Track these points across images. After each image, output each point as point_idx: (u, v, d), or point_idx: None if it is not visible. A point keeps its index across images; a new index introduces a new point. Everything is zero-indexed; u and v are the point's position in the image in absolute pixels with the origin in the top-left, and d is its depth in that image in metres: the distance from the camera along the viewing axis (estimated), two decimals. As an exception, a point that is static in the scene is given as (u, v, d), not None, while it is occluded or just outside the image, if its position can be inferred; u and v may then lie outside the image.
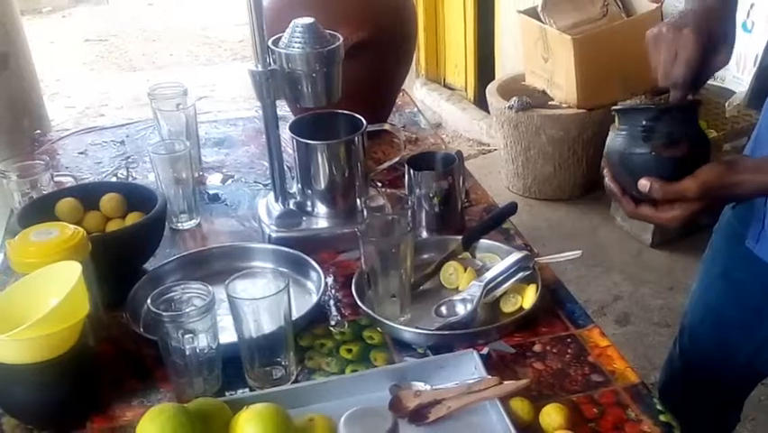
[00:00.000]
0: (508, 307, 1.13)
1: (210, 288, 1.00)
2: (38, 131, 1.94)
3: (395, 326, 1.08)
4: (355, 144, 1.32)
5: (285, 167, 1.33)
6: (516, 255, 1.16)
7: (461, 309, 1.10)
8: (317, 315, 1.14)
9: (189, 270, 1.25)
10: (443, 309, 1.11)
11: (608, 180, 1.06)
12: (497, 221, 1.31)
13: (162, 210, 1.24)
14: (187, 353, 0.97)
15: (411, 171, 1.32)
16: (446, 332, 1.06)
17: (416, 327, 1.08)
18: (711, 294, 1.32)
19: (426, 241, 1.29)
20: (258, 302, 0.97)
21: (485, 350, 1.06)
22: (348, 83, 1.30)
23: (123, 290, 1.17)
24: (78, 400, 0.99)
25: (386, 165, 1.39)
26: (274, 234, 1.32)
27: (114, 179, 1.60)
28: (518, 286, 1.15)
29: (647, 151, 1.00)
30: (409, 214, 1.23)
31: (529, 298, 1.13)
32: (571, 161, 3.12)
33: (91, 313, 1.01)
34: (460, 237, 1.26)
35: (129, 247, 1.19)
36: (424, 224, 1.34)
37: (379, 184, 1.48)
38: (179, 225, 1.42)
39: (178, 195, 1.41)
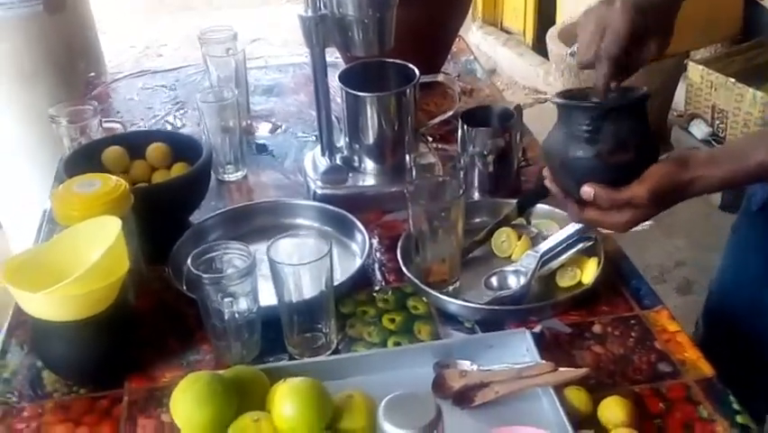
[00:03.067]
0: (566, 281, 1.07)
1: (251, 249, 0.96)
2: (92, 73, 1.91)
3: (441, 297, 1.03)
4: (406, 97, 1.25)
5: (333, 117, 1.27)
6: (576, 225, 1.09)
7: (514, 282, 1.05)
8: (360, 279, 1.10)
9: (233, 225, 1.22)
10: (494, 281, 1.05)
11: (548, 182, 1.00)
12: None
13: (208, 162, 1.20)
14: (227, 316, 0.94)
15: (465, 127, 1.26)
16: (496, 307, 1.01)
17: (464, 300, 1.03)
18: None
19: (478, 204, 1.23)
20: (299, 268, 0.93)
21: (538, 328, 1.00)
22: (401, 29, 1.22)
23: (166, 244, 1.14)
24: (117, 358, 0.97)
25: (438, 120, 1.32)
26: (319, 191, 1.27)
27: (164, 127, 1.57)
28: (578, 258, 1.09)
29: (591, 155, 0.93)
30: (461, 174, 1.17)
31: (589, 272, 1.06)
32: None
33: (132, 268, 0.98)
34: (514, 201, 1.20)
35: (173, 200, 1.15)
36: (476, 184, 1.28)
37: (430, 139, 1.41)
38: (226, 176, 1.39)
39: (224, 144, 1.37)
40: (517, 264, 1.06)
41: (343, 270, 1.12)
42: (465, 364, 0.92)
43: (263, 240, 1.19)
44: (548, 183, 0.99)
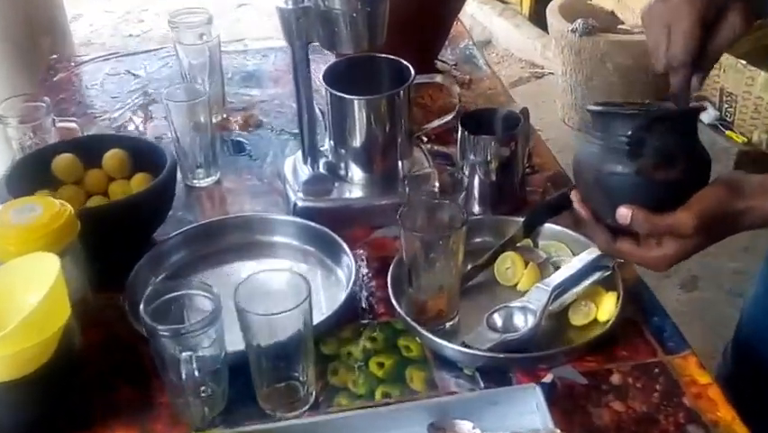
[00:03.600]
0: (579, 318, 0.94)
1: (216, 291, 0.82)
2: (54, 56, 1.74)
3: (437, 340, 0.89)
4: (400, 99, 1.11)
5: (317, 111, 1.12)
6: (592, 251, 0.96)
7: (521, 321, 0.91)
8: (345, 313, 0.96)
9: (200, 244, 1.08)
10: (498, 319, 0.92)
11: (576, 204, 0.86)
12: (567, 200, 1.09)
13: (172, 175, 1.05)
14: (184, 374, 0.79)
15: (465, 133, 1.11)
16: (501, 355, 0.87)
17: (464, 344, 0.89)
18: None
19: (480, 222, 1.09)
20: (271, 318, 0.79)
21: (549, 378, 0.87)
22: (393, 11, 1.07)
23: (124, 267, 1.00)
24: (59, 418, 0.83)
25: (434, 124, 1.17)
26: (300, 203, 1.12)
27: (129, 119, 1.42)
28: (593, 290, 0.95)
29: (632, 170, 0.80)
30: (461, 193, 1.03)
31: (606, 308, 0.93)
32: (640, 94, 2.84)
33: (77, 300, 0.86)
34: (520, 220, 1.06)
35: (131, 220, 1.01)
36: (476, 195, 1.14)
37: (425, 140, 1.27)
38: (195, 181, 1.24)
39: (194, 145, 1.22)
40: (525, 300, 0.93)
41: (327, 300, 0.98)
42: (465, 427, 0.79)
43: (235, 260, 1.07)
44: (577, 206, 0.85)
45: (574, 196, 0.86)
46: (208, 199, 1.21)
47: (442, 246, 0.90)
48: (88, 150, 1.10)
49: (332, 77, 1.11)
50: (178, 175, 1.20)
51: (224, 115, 1.42)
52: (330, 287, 1.02)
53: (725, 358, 1.18)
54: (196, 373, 0.79)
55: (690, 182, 0.80)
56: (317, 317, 0.91)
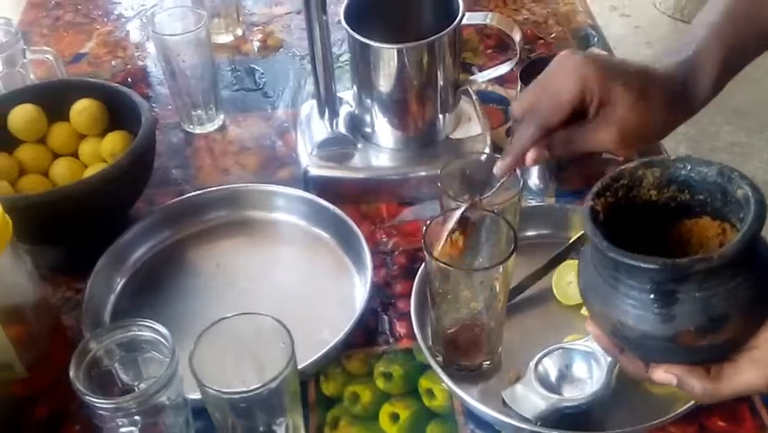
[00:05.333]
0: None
1: (166, 333, 0.61)
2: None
3: (466, 398, 0.68)
4: (442, 45, 0.85)
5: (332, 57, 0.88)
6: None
7: (582, 372, 0.68)
8: (356, 336, 0.76)
9: (181, 223, 0.87)
10: (551, 367, 0.69)
11: (593, 330, 0.60)
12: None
13: (146, 143, 0.82)
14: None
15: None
16: (551, 432, 0.66)
17: (503, 405, 0.67)
18: None
19: (535, 211, 0.85)
20: (244, 395, 0.58)
21: (613, 461, 0.66)
22: None
23: (92, 247, 0.81)
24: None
25: (486, 76, 0.92)
26: (312, 171, 0.90)
27: (126, 38, 1.19)
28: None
29: (665, 335, 0.53)
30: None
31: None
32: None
33: (27, 312, 0.71)
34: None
35: (93, 205, 0.79)
36: (532, 176, 0.90)
37: (476, 90, 1.00)
38: (192, 127, 1.02)
39: (192, 82, 0.99)
40: (591, 341, 0.70)
41: (333, 309, 0.78)
42: None
43: (224, 247, 0.87)
44: (590, 328, 0.60)
45: (590, 327, 0.60)
46: (207, 153, 1.00)
47: (480, 278, 0.67)
48: (54, 99, 0.88)
49: (355, 14, 0.86)
50: (175, 119, 1.00)
51: (239, 33, 1.18)
52: (339, 289, 0.80)
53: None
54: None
55: (746, 336, 0.54)
56: (317, 345, 0.72)
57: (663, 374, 0.56)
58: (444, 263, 0.65)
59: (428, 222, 0.68)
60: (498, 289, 0.67)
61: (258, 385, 0.57)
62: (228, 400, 0.59)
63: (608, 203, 0.57)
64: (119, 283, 0.82)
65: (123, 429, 0.59)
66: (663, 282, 0.52)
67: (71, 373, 0.59)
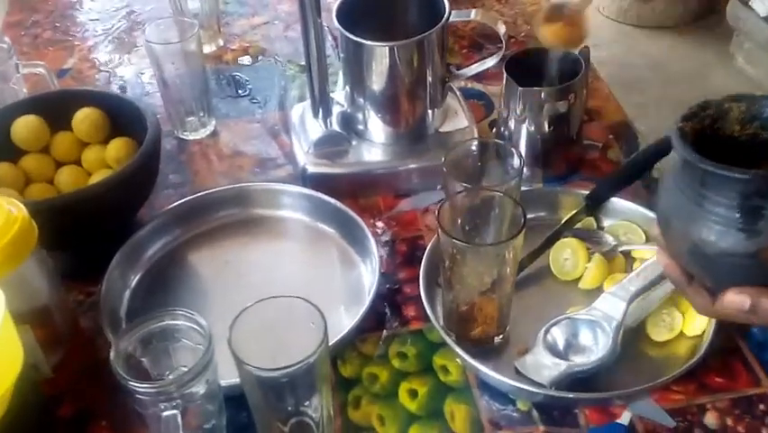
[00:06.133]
0: (662, 333, 0.75)
1: (202, 321, 0.64)
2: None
3: (482, 369, 0.72)
4: (431, 42, 0.89)
5: (330, 43, 0.90)
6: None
7: (588, 339, 0.73)
8: (368, 322, 0.79)
9: (190, 222, 0.90)
10: (558, 336, 0.74)
11: (660, 256, 0.64)
12: (642, 166, 0.89)
13: (153, 149, 0.84)
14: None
15: (512, 84, 0.90)
16: (570, 395, 0.70)
17: (517, 373, 0.71)
18: None
19: (530, 194, 0.90)
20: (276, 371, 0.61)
21: (625, 417, 0.70)
22: None
23: (105, 251, 0.83)
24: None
25: (473, 71, 0.96)
26: (311, 169, 0.93)
27: (109, 48, 1.21)
28: (679, 297, 0.77)
29: (747, 251, 0.55)
30: (509, 157, 0.83)
31: (696, 321, 0.75)
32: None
33: (48, 313, 0.72)
34: (580, 191, 0.87)
35: (102, 210, 0.81)
36: (522, 154, 0.94)
37: (461, 86, 1.05)
38: (186, 134, 1.05)
39: (184, 89, 1.01)
40: (594, 311, 0.74)
41: (344, 298, 0.81)
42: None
43: (232, 244, 0.89)
44: (660, 258, 0.64)
45: (658, 249, 0.64)
46: (202, 158, 1.02)
47: (493, 254, 0.71)
48: (56, 109, 0.90)
49: (347, 14, 0.90)
50: (168, 127, 1.02)
51: (221, 43, 1.21)
52: (347, 279, 0.84)
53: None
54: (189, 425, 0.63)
55: None
56: (334, 330, 0.74)
57: (735, 297, 0.57)
58: (459, 240, 0.69)
59: (440, 205, 0.72)
60: (509, 264, 0.71)
61: (293, 362, 0.60)
62: (265, 379, 0.62)
63: (694, 129, 0.58)
64: (133, 281, 0.84)
65: (165, 413, 0.61)
66: (751, 196, 0.54)
67: (113, 359, 0.61)
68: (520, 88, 0.89)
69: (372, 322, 0.79)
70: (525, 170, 0.94)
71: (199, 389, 0.63)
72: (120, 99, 0.89)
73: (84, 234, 0.82)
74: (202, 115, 1.04)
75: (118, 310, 0.81)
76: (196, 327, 0.64)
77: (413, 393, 0.74)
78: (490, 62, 0.93)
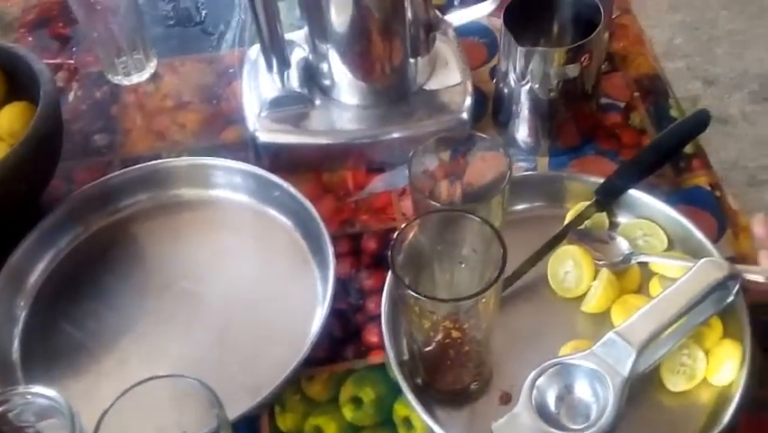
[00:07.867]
0: (679, 382, 0.60)
1: (62, 401, 0.49)
2: None
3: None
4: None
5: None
6: (709, 266, 0.59)
7: (585, 393, 0.57)
8: (317, 351, 0.64)
9: (97, 213, 0.73)
10: (550, 388, 0.57)
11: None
12: (671, 148, 0.70)
13: (48, 126, 0.66)
14: None
15: (509, 41, 0.71)
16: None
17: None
18: None
19: (525, 180, 0.72)
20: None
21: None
22: None
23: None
24: None
25: (464, 18, 0.76)
26: (263, 138, 0.76)
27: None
28: (702, 332, 0.60)
29: None
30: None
31: (724, 364, 0.59)
32: None
33: None
34: (591, 178, 0.69)
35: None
36: (525, 118, 0.76)
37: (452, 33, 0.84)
38: (119, 78, 0.86)
39: (114, 22, 0.82)
40: (595, 357, 0.58)
41: (289, 318, 0.66)
42: None
43: (153, 229, 0.73)
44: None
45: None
46: (138, 111, 0.84)
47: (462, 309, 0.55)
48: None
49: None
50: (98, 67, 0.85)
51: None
52: (297, 287, 0.68)
53: None
54: None
55: None
56: (271, 365, 0.60)
57: None
58: (421, 294, 0.52)
59: (397, 231, 0.55)
60: (482, 316, 0.55)
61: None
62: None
63: None
64: (23, 310, 0.68)
65: None
66: None
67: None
68: (520, 48, 0.69)
69: (324, 350, 0.64)
70: (527, 139, 0.77)
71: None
72: (13, 54, 0.71)
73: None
74: (137, 53, 0.85)
75: (9, 352, 0.65)
76: (57, 406, 0.49)
77: (365, 455, 0.60)
78: (487, 8, 0.73)
